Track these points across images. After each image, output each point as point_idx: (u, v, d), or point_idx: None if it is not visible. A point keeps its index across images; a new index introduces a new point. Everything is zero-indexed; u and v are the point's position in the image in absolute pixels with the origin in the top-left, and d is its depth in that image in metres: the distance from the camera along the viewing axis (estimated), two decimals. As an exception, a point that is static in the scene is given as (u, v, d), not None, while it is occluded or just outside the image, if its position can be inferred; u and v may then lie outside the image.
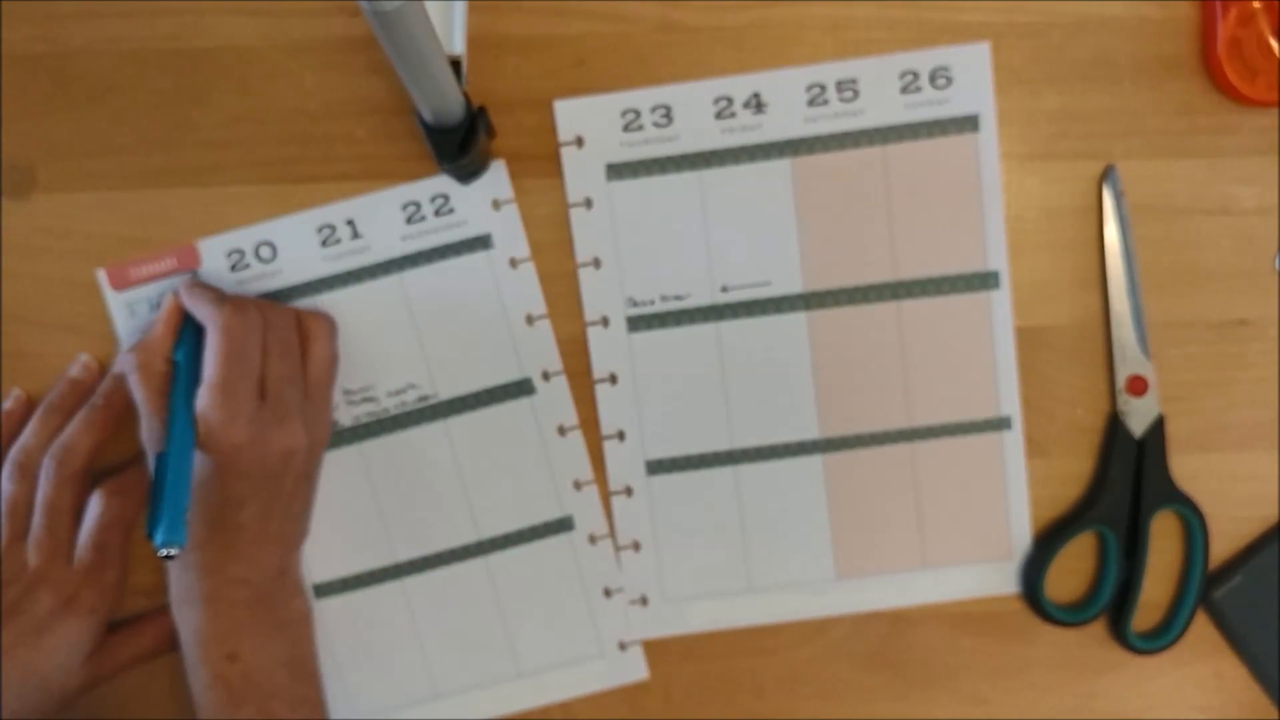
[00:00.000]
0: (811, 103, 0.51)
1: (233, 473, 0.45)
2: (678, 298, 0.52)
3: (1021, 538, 0.52)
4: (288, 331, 0.48)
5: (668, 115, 0.51)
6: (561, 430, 0.52)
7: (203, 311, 0.46)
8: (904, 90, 0.51)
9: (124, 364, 0.46)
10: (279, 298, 0.51)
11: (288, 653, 0.48)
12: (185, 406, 0.45)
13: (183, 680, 0.50)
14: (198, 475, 0.45)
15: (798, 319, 0.52)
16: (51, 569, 0.47)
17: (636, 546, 0.53)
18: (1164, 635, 0.52)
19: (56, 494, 0.48)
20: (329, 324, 0.50)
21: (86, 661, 0.48)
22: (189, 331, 0.47)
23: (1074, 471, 0.53)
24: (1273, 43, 0.50)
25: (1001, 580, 0.53)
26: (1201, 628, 0.52)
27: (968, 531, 0.52)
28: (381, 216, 0.51)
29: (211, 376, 0.44)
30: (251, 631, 0.47)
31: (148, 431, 0.46)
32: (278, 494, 0.46)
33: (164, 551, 0.42)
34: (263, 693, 0.46)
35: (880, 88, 0.51)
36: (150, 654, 0.50)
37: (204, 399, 0.44)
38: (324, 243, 0.51)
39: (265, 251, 0.51)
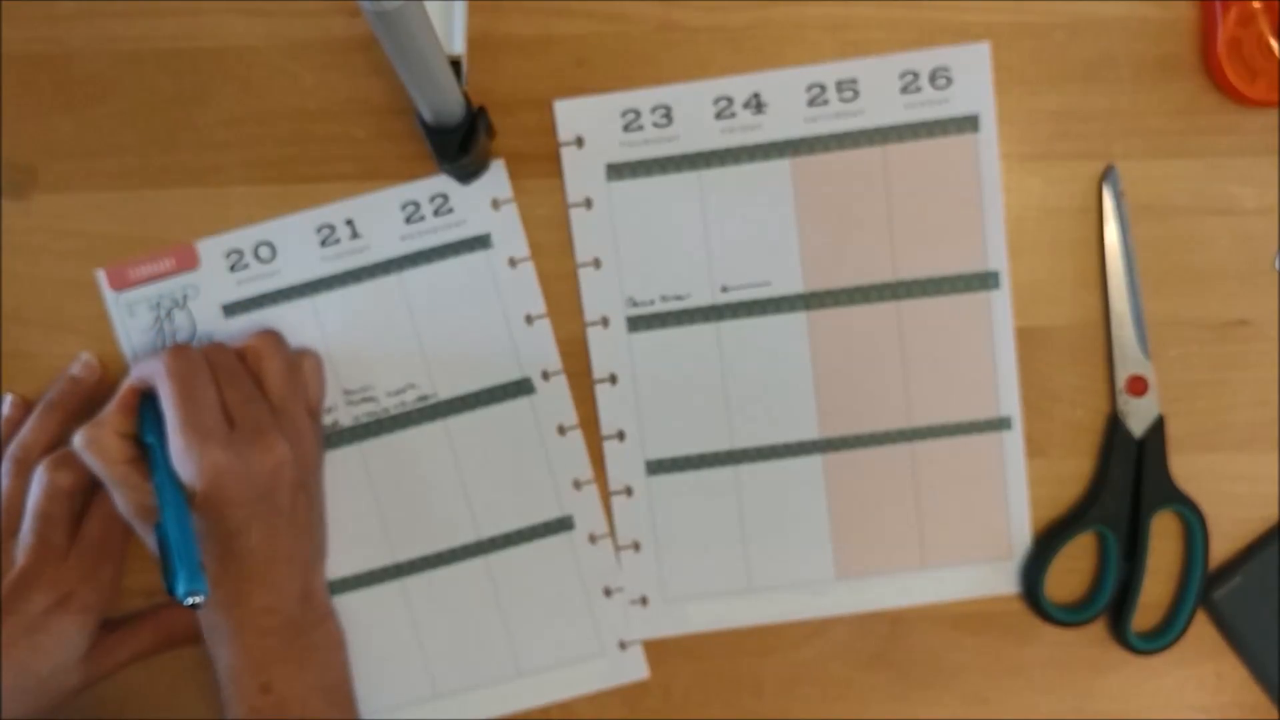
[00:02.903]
0: (811, 103, 0.51)
1: (226, 503, 0.45)
2: (678, 298, 0.52)
3: (1021, 538, 0.52)
4: (227, 359, 0.47)
5: (668, 115, 0.51)
6: (561, 430, 0.52)
7: (146, 369, 0.46)
8: (904, 90, 0.51)
9: (75, 442, 0.46)
10: (278, 298, 0.51)
11: (321, 679, 0.48)
12: (167, 475, 0.45)
13: (184, 680, 0.50)
14: (195, 520, 0.45)
15: (798, 319, 0.52)
16: (44, 568, 0.47)
17: (636, 546, 0.53)
18: (1164, 635, 0.52)
19: (48, 504, 0.47)
20: (272, 338, 0.49)
21: (84, 660, 0.48)
22: (151, 413, 0.46)
23: (1074, 471, 0.53)
24: (1273, 43, 0.50)
25: (1001, 580, 0.53)
26: (1201, 628, 0.52)
27: (968, 531, 0.52)
28: (381, 216, 0.51)
29: (174, 420, 0.44)
30: (283, 660, 0.46)
31: (120, 502, 0.47)
32: (277, 512, 0.46)
33: (189, 601, 0.42)
34: None
35: (880, 88, 0.51)
36: (149, 651, 0.50)
37: (174, 442, 0.44)
38: (323, 243, 0.51)
39: (264, 252, 0.51)
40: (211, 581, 0.45)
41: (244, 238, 0.51)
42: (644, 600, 0.53)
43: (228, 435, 0.45)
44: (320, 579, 0.50)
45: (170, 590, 0.42)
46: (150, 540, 0.46)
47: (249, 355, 0.48)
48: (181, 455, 0.44)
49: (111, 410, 0.46)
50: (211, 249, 0.51)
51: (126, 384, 0.47)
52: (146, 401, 0.47)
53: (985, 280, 0.51)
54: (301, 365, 0.50)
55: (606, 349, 0.52)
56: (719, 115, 0.51)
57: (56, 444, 0.49)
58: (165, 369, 0.45)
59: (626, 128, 0.51)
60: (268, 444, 0.45)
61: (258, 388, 0.48)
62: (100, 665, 0.49)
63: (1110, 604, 0.52)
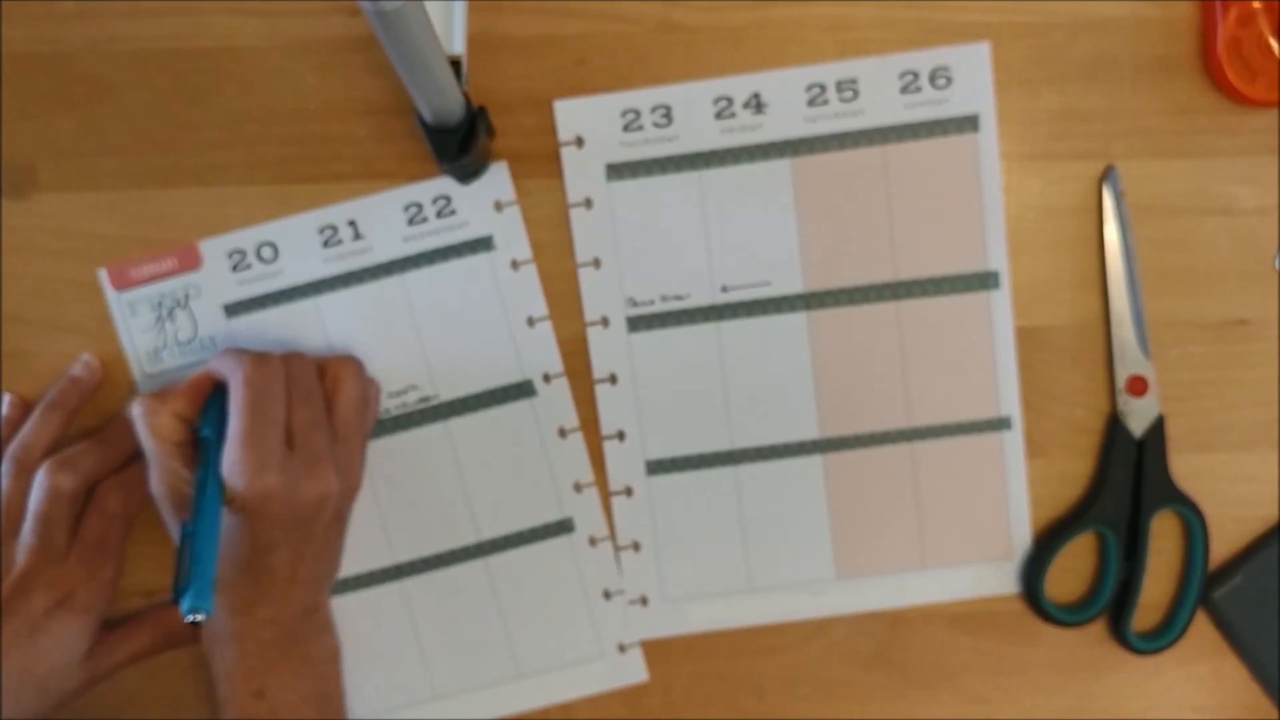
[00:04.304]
0: (811, 103, 0.51)
1: (264, 520, 0.44)
2: (678, 298, 0.52)
3: (1021, 538, 0.53)
4: (308, 378, 0.47)
5: (668, 115, 0.51)
6: (562, 433, 0.52)
7: (226, 366, 0.46)
8: (904, 90, 0.51)
9: (133, 410, 0.46)
10: (280, 298, 0.51)
11: (315, 689, 0.48)
12: (213, 476, 0.44)
13: (184, 680, 0.50)
14: (227, 522, 0.44)
15: (798, 319, 0.52)
16: (44, 569, 0.47)
17: (636, 547, 0.53)
18: (1164, 635, 0.52)
19: (49, 506, 0.47)
20: (354, 365, 0.49)
21: (84, 660, 0.48)
22: (216, 407, 0.46)
23: (1074, 471, 0.53)
24: (1273, 43, 0.50)
25: (1001, 580, 0.53)
26: (1201, 628, 0.53)
27: (968, 531, 0.53)
28: (383, 217, 0.51)
29: (236, 430, 0.44)
30: (279, 669, 0.46)
31: (154, 480, 0.46)
32: (309, 539, 0.46)
33: (190, 618, 0.41)
34: None
35: (880, 88, 0.51)
36: (149, 652, 0.50)
37: (230, 453, 0.44)
38: (326, 243, 0.51)
39: (266, 252, 0.51)
40: (225, 586, 0.45)
41: (246, 238, 0.51)
42: (644, 600, 0.53)
43: (284, 458, 0.44)
44: (326, 595, 0.50)
45: (175, 600, 0.42)
46: (170, 523, 0.46)
47: (327, 375, 0.48)
48: (234, 467, 0.44)
49: (179, 390, 0.46)
50: (214, 249, 0.51)
51: (203, 370, 0.47)
52: (215, 394, 0.46)
53: (985, 280, 0.51)
54: (370, 397, 0.49)
55: (606, 349, 0.52)
56: (719, 115, 0.51)
57: (57, 444, 0.49)
58: (244, 376, 0.45)
59: (626, 128, 0.51)
60: (320, 474, 0.45)
61: (326, 410, 0.47)
62: (100, 665, 0.49)
63: (1110, 604, 0.52)
